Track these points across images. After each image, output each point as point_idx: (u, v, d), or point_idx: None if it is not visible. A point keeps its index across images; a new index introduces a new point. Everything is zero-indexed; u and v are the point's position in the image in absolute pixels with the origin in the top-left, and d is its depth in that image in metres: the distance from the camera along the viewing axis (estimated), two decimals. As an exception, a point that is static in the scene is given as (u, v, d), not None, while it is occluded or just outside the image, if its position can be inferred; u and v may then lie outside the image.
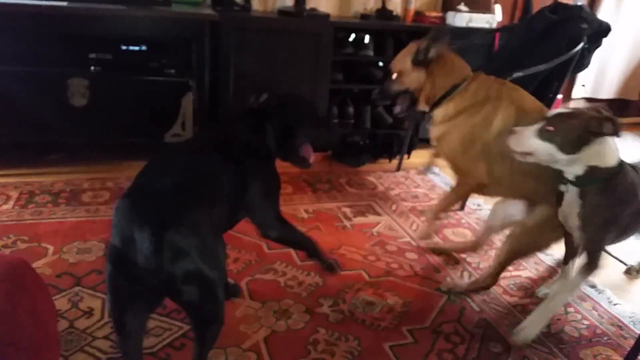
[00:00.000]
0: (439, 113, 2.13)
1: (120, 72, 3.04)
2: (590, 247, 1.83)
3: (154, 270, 1.26)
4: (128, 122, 3.14)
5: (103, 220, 2.47)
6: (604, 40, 3.19)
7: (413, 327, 1.96)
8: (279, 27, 3.41)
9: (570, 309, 2.15)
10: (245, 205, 1.70)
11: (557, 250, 2.56)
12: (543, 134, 1.70)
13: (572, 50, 2.92)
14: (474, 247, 2.51)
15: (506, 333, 1.96)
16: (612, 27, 3.16)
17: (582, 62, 3.16)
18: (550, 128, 1.68)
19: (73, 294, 1.96)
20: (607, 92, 5.21)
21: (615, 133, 1.65)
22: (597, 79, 5.09)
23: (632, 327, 2.07)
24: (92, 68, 3.02)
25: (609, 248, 2.28)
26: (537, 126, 1.72)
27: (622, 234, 1.88)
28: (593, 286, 2.33)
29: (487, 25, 3.78)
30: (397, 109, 2.30)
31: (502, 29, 3.73)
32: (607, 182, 1.73)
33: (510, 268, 2.40)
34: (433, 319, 2.01)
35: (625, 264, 2.47)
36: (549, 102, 3.11)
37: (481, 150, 2.05)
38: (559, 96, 4.58)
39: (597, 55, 4.77)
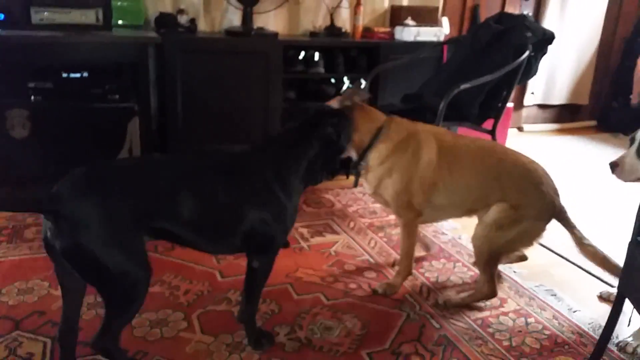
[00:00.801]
0: (373, 157, 2.17)
1: (62, 100, 2.93)
2: None
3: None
4: (73, 151, 3.01)
5: (46, 258, 2.32)
6: (550, 47, 3.25)
7: (372, 349, 1.90)
8: (227, 47, 3.36)
9: (531, 319, 2.13)
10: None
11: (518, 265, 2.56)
12: None
13: (518, 59, 2.96)
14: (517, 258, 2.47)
15: (467, 350, 1.92)
16: (557, 34, 3.22)
17: (529, 70, 3.20)
18: None
19: (11, 339, 1.83)
20: (558, 98, 5.32)
21: None
22: (547, 86, 5.19)
23: (592, 333, 2.06)
24: (32, 97, 2.90)
25: (591, 266, 2.26)
26: (634, 148, 1.90)
27: None
28: (553, 294, 2.32)
29: (434, 39, 3.80)
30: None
31: (449, 41, 3.76)
32: None
33: (468, 280, 2.40)
34: (392, 339, 1.96)
35: (610, 285, 2.36)
36: (498, 112, 3.14)
37: (419, 183, 2.14)
38: (510, 104, 4.65)
39: (546, 62, 4.90)
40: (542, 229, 2.13)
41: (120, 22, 3.14)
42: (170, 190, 1.55)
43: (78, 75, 2.99)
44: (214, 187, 1.61)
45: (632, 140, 1.98)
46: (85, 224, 1.39)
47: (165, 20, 3.27)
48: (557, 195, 2.15)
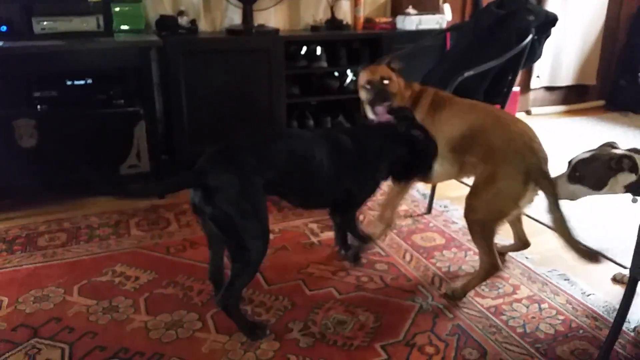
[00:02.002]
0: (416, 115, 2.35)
1: (67, 108, 2.95)
2: None
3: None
4: (81, 159, 3.04)
5: (60, 264, 2.37)
6: (554, 29, 3.21)
7: (386, 342, 1.90)
8: (228, 46, 3.36)
9: (544, 305, 2.12)
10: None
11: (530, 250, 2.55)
12: (573, 179, 1.98)
13: (521, 43, 2.92)
14: (520, 245, 2.51)
15: (481, 338, 1.92)
16: (561, 15, 3.18)
17: (533, 53, 3.16)
18: (577, 174, 1.97)
19: (30, 346, 1.86)
20: (565, 79, 5.27)
21: (634, 168, 1.89)
22: (553, 68, 5.14)
23: (606, 316, 2.05)
24: (38, 107, 2.92)
25: (603, 249, 2.42)
26: (565, 173, 2.01)
27: None
28: (566, 279, 2.31)
29: (437, 26, 3.78)
30: (380, 110, 2.44)
31: (451, 28, 3.72)
32: None
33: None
34: (406, 331, 1.96)
35: (623, 267, 2.37)
36: (504, 97, 3.11)
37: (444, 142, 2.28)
38: (517, 89, 4.62)
39: (551, 45, 4.85)
40: (521, 190, 2.03)
41: (121, 27, 3.15)
42: (288, 162, 1.90)
43: (82, 82, 3.01)
44: (322, 161, 1.98)
45: (568, 164, 2.03)
46: (227, 194, 1.73)
47: (166, 23, 3.28)
48: (540, 159, 2.05)
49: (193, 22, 3.39)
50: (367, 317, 2.04)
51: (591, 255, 1.97)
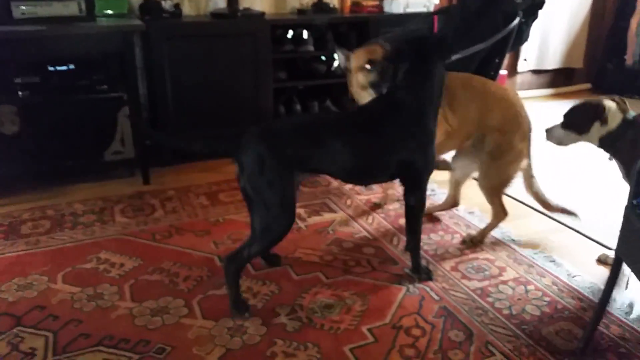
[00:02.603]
0: None
1: (50, 94, 2.90)
2: None
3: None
4: (64, 145, 3.00)
5: (44, 252, 2.35)
6: (541, 12, 3.20)
7: (373, 325, 1.90)
8: (213, 30, 3.32)
9: (530, 287, 2.13)
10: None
11: (517, 233, 2.56)
12: (565, 125, 2.23)
13: (508, 26, 2.92)
14: (452, 203, 2.73)
15: (467, 320, 1.93)
16: (547, -2, 3.16)
17: (520, 36, 3.16)
18: (568, 120, 2.21)
19: (13, 335, 1.84)
20: (552, 62, 5.27)
21: (602, 118, 2.12)
22: (541, 51, 5.14)
23: (591, 297, 2.06)
24: (20, 93, 2.87)
25: (588, 230, 2.57)
26: (560, 122, 2.25)
27: None
28: (552, 260, 2.32)
29: (424, 9, 3.76)
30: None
31: (439, 11, 3.69)
32: (619, 139, 2.09)
33: (467, 251, 2.40)
34: (393, 313, 1.96)
35: (607, 248, 2.40)
36: (492, 80, 3.09)
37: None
38: (504, 72, 4.61)
39: (539, 27, 4.84)
40: (528, 148, 2.44)
41: (104, 11, 3.09)
42: (324, 141, 1.92)
43: (64, 68, 2.95)
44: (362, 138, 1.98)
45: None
46: (253, 170, 1.81)
47: (150, 7, 3.23)
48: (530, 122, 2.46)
49: (177, 6, 3.33)
50: (354, 301, 2.04)
51: (565, 211, 2.45)
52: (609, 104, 2.13)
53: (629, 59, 5.14)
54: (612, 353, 1.76)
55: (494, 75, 3.13)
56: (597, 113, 2.12)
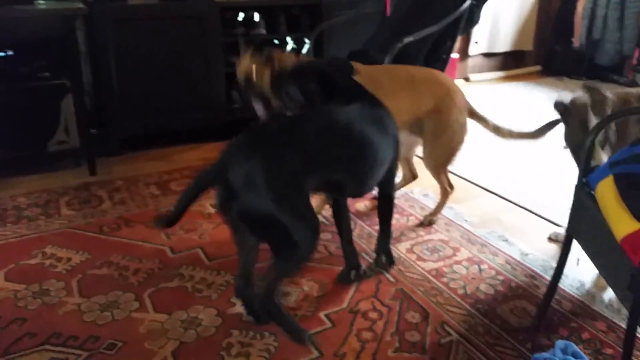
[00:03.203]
0: None
1: (-13, 82, 2.75)
2: None
3: None
4: (4, 136, 2.84)
5: (-15, 249, 2.23)
6: (491, -6, 3.22)
7: (331, 310, 1.89)
8: (161, 13, 3.21)
9: (484, 266, 2.16)
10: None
11: (469, 213, 2.59)
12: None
13: (459, 8, 2.92)
14: (410, 177, 2.77)
15: (423, 301, 1.93)
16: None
17: (471, 18, 3.18)
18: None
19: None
20: (503, 45, 5.35)
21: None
22: (491, 34, 5.21)
23: (544, 274, 2.10)
24: (-45, 81, 2.71)
25: (540, 209, 2.63)
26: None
27: None
28: (504, 240, 2.35)
29: (376, -8, 3.71)
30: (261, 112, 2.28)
31: (391, -7, 3.68)
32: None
33: (422, 232, 2.42)
34: (350, 298, 1.95)
35: (558, 225, 2.45)
36: (443, 63, 3.11)
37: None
38: (456, 55, 4.65)
39: (489, 11, 4.90)
40: (466, 119, 2.44)
41: (42, -7, 2.94)
42: (329, 147, 1.67)
43: (2, 54, 2.81)
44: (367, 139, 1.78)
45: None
46: (254, 185, 1.48)
47: (93, -11, 3.09)
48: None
49: (122, -12, 3.20)
50: (311, 287, 2.01)
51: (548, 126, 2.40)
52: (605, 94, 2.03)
53: (576, 41, 5.27)
54: (564, 328, 1.80)
55: (446, 59, 3.14)
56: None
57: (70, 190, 2.79)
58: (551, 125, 2.38)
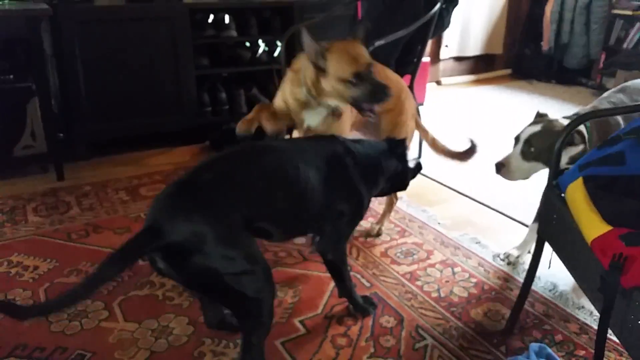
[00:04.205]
0: None
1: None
2: None
3: None
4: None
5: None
6: (461, -1, 3.24)
7: (305, 316, 1.87)
8: (128, 15, 3.15)
9: (457, 269, 2.17)
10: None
11: (442, 216, 2.60)
12: (527, 156, 1.92)
13: (430, 12, 2.94)
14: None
15: (397, 305, 1.93)
16: (466, -15, 3.21)
17: (442, 22, 3.20)
18: (532, 149, 1.91)
19: None
20: (473, 49, 5.41)
21: (583, 140, 1.86)
22: (462, 38, 5.26)
23: (517, 277, 2.12)
24: None
25: (511, 211, 2.63)
26: (518, 149, 1.94)
27: None
28: (477, 242, 2.37)
29: (348, -5, 3.72)
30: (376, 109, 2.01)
31: (362, -4, 3.69)
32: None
33: (396, 236, 2.42)
34: (324, 304, 1.93)
35: (526, 225, 2.45)
36: (414, 67, 3.12)
37: None
38: (427, 59, 4.68)
39: (460, 15, 4.95)
40: (414, 126, 2.39)
41: (4, -7, 2.85)
42: (270, 186, 1.51)
43: (-37, 56, 2.72)
44: (312, 178, 1.61)
45: (517, 140, 1.97)
46: (200, 250, 1.30)
47: (58, -10, 3.01)
48: None
49: (88, -12, 3.14)
50: (285, 293, 1.99)
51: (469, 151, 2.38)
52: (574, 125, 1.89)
53: (545, 45, 5.36)
54: (537, 330, 1.82)
55: (416, 62, 3.16)
56: (570, 139, 1.85)
57: (38, 196, 2.71)
58: (472, 151, 2.39)
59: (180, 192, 1.38)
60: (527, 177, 1.98)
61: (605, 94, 2.14)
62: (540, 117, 2.01)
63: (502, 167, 1.97)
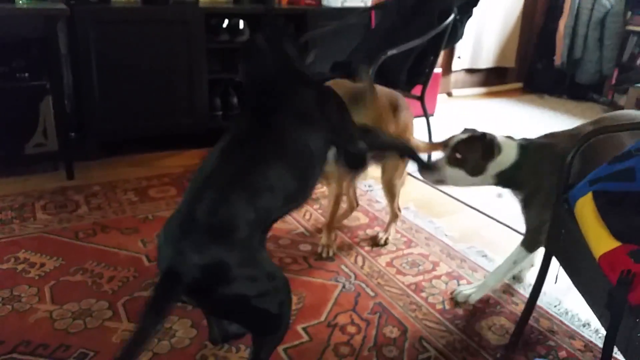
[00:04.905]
0: None
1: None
2: (530, 225, 1.92)
3: None
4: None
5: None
6: (476, 11, 3.26)
7: (308, 323, 1.86)
8: (144, 17, 3.17)
9: (463, 281, 2.16)
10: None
11: (449, 228, 2.59)
12: (453, 162, 1.90)
13: (443, 23, 2.94)
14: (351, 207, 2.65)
15: (402, 315, 1.92)
16: (481, -4, 3.22)
17: (455, 33, 3.21)
18: (458, 155, 1.88)
19: None
20: (485, 61, 5.41)
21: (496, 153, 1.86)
22: (474, 50, 5.26)
23: (522, 292, 2.10)
24: None
25: (519, 225, 2.36)
26: (446, 154, 1.91)
27: None
28: (484, 255, 2.36)
29: (362, 4, 3.75)
30: None
31: (376, 6, 3.71)
32: (515, 174, 1.87)
33: (402, 246, 2.41)
34: (328, 311, 1.93)
35: None
36: (426, 77, 3.13)
37: None
38: (439, 70, 4.68)
39: (472, 28, 4.95)
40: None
41: (23, -7, 2.89)
42: (273, 182, 1.38)
43: (-21, 53, 2.75)
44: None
45: (445, 146, 1.96)
46: (225, 275, 1.24)
47: (75, -10, 3.04)
48: None
49: (105, -10, 3.17)
50: (289, 299, 1.99)
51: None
52: (495, 136, 1.90)
53: (558, 60, 5.35)
54: (542, 346, 1.80)
55: (428, 73, 3.16)
56: (490, 150, 1.86)
57: (47, 194, 2.73)
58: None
59: (184, 224, 1.27)
60: (454, 184, 1.98)
61: (580, 125, 2.01)
62: (468, 130, 1.99)
63: (427, 171, 1.96)
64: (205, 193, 1.31)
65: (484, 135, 1.89)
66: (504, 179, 1.90)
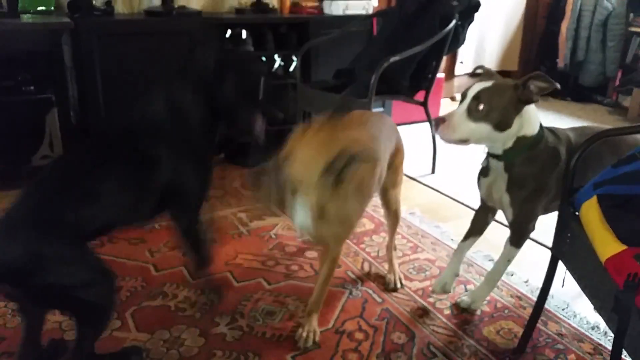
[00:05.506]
0: None
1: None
2: (522, 220, 1.82)
3: None
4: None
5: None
6: (477, 15, 3.27)
7: (316, 331, 1.87)
8: (147, 29, 3.20)
9: (470, 286, 2.15)
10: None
11: (456, 233, 2.59)
12: (474, 114, 1.62)
13: (445, 29, 2.96)
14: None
15: (409, 321, 1.92)
16: (483, 2, 3.23)
17: (457, 39, 3.22)
18: (481, 106, 1.61)
19: None
20: (489, 65, 5.37)
21: (551, 86, 1.65)
22: (477, 54, 5.26)
23: (529, 295, 2.10)
24: (-61, 94, 2.67)
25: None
26: (464, 106, 1.63)
27: (551, 202, 1.82)
28: (490, 259, 2.35)
29: (363, 12, 3.77)
30: None
31: (378, 13, 3.73)
32: (531, 149, 1.71)
33: (408, 252, 2.40)
34: (336, 318, 1.93)
35: (544, 246, 2.38)
36: (429, 83, 3.14)
37: None
38: (442, 75, 4.69)
39: (475, 32, 4.95)
40: None
41: (28, 8, 2.92)
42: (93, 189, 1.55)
43: (-14, 67, 2.77)
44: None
45: (464, 97, 1.68)
46: (40, 265, 1.37)
47: (79, 4, 3.07)
48: None
49: (108, 3, 3.19)
50: (296, 307, 1.99)
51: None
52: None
53: (561, 62, 5.35)
54: (550, 349, 1.80)
55: (431, 78, 3.17)
56: (524, 94, 1.63)
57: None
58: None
59: (6, 219, 1.43)
60: (467, 142, 1.68)
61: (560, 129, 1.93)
62: (488, 74, 1.75)
63: (441, 123, 1.66)
64: (31, 197, 1.50)
65: (515, 83, 1.63)
66: (515, 151, 1.70)
